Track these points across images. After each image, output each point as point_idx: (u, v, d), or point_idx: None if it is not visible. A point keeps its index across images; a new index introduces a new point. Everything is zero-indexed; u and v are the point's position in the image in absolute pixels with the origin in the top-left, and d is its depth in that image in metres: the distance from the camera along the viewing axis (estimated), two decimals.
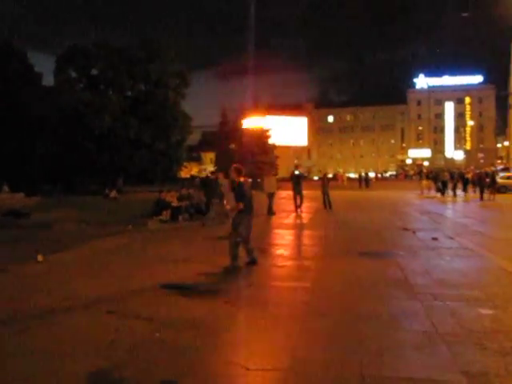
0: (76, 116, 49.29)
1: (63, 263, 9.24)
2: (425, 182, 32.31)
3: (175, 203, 16.79)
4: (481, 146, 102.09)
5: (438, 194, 29.58)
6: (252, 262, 8.62)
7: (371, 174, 59.62)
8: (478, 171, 32.25)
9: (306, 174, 46.48)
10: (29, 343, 4.91)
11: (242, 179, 8.77)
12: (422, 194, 30.45)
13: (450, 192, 29.43)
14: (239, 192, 8.57)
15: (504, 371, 4.10)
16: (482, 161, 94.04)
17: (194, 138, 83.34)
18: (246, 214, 8.56)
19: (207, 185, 18.47)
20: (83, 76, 58.00)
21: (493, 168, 47.11)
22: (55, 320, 5.65)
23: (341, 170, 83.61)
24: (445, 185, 29.62)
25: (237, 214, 8.61)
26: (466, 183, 30.83)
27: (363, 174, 45.78)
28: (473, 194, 29.41)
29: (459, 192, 30.36)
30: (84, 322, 5.56)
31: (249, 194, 8.72)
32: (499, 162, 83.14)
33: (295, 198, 19.28)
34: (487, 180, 25.44)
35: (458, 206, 23.81)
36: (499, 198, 25.83)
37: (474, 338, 4.88)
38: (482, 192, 25.05)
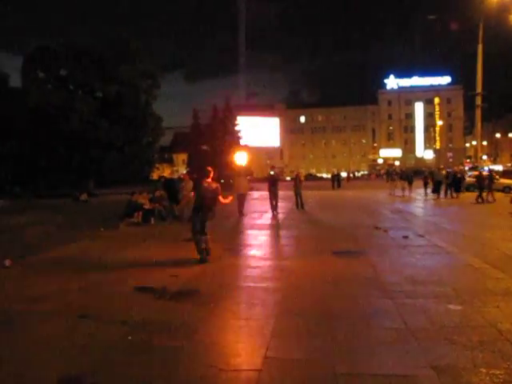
0: (45, 117, 48.42)
1: (32, 267, 9.05)
2: (398, 183, 31.36)
3: (147, 205, 16.64)
4: (450, 145, 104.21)
5: (432, 195, 27.89)
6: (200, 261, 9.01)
7: (343, 174, 60.02)
8: (477, 171, 30.93)
9: (281, 176, 46.59)
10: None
11: (207, 180, 9.39)
12: (393, 195, 29.74)
13: (442, 193, 27.35)
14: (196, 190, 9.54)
15: (471, 364, 4.21)
16: (451, 160, 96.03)
17: (165, 140, 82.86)
18: (197, 211, 9.19)
19: (170, 186, 18.37)
20: (51, 77, 57.01)
21: (461, 167, 48.05)
22: (25, 325, 5.55)
23: (302, 171, 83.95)
24: (440, 184, 27.60)
25: (192, 212, 9.40)
26: (457, 183, 27.62)
27: (335, 174, 45.92)
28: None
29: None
30: (55, 327, 5.47)
31: (204, 194, 9.21)
32: (468, 161, 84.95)
33: (271, 199, 19.14)
34: (486, 181, 24.49)
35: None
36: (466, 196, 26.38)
37: (444, 333, 4.99)
38: (481, 193, 23.54)
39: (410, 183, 30.44)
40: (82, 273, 8.44)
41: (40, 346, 4.88)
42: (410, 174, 33.54)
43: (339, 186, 43.18)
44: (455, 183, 27.27)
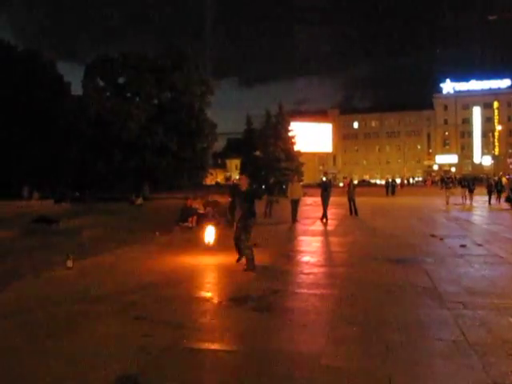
0: (103, 123, 50.12)
1: (93, 269, 9.38)
2: (456, 190, 28.76)
3: (201, 210, 16.86)
4: (510, 151, 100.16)
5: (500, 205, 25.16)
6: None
7: (397, 180, 58.44)
8: None
9: (333, 182, 45.86)
10: (56, 348, 4.97)
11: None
12: (450, 203, 27.32)
13: None
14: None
15: None
16: (511, 166, 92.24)
17: (219, 145, 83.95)
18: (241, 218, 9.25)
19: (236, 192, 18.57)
20: (110, 85, 59.02)
21: None
22: (83, 325, 5.73)
23: (353, 176, 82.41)
24: None
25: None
26: None
27: (390, 181, 44.82)
28: None
29: None
30: (112, 328, 5.62)
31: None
32: None
33: (323, 205, 18.97)
34: None
35: None
36: None
37: (506, 348, 4.77)
38: None
39: (471, 191, 27.89)
40: (137, 275, 8.66)
41: (97, 346, 5.01)
42: (470, 180, 30.35)
43: (393, 193, 42.24)
44: None
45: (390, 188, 42.32)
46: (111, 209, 27.36)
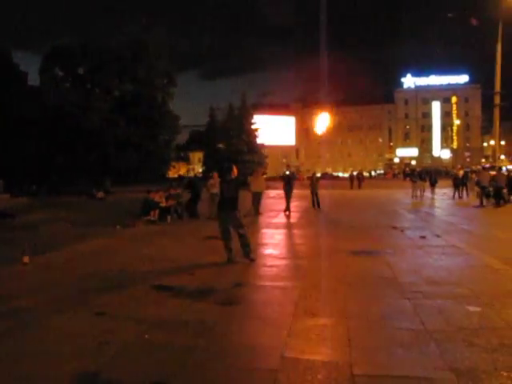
0: (62, 115, 48.90)
1: (50, 265, 9.15)
2: (419, 183, 26.62)
3: (163, 203, 16.71)
4: (467, 144, 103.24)
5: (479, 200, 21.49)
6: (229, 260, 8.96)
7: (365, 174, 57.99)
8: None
9: (297, 175, 45.64)
10: (13, 346, 4.83)
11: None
12: (416, 199, 25.75)
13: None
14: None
15: (492, 367, 4.12)
16: (468, 159, 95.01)
17: (182, 138, 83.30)
18: (220, 209, 9.20)
19: (194, 185, 18.53)
20: (69, 75, 57.64)
21: (479, 167, 47.30)
22: (42, 322, 5.58)
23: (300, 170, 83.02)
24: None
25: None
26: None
27: (354, 174, 44.69)
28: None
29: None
30: (72, 324, 5.49)
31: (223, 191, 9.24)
32: (484, 161, 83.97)
33: (286, 198, 19.06)
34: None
35: None
36: None
37: (463, 335, 4.91)
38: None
39: (433, 185, 26.97)
40: (97, 270, 8.50)
41: (56, 343, 4.89)
42: (432, 173, 28.87)
43: (360, 186, 41.58)
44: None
45: (356, 181, 42.30)
46: (71, 203, 26.80)
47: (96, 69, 55.18)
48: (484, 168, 30.13)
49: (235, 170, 9.38)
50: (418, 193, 26.42)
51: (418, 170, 29.98)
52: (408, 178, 33.60)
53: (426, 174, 28.72)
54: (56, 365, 4.34)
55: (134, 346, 4.79)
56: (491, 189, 21.31)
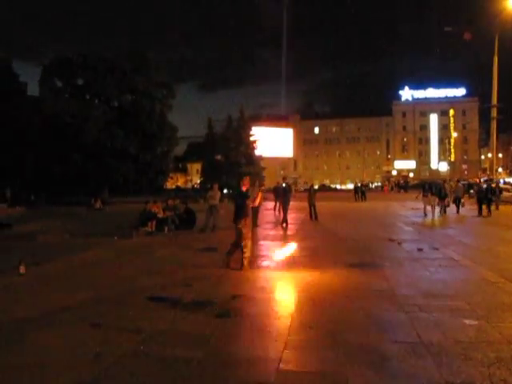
0: (61, 125, 48.90)
1: (46, 275, 9.13)
2: (431, 198, 22.34)
3: (161, 214, 16.71)
4: (465, 157, 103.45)
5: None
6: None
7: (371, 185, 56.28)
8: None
9: (294, 187, 44.98)
10: (9, 358, 4.82)
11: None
12: (427, 217, 22.03)
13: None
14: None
15: (488, 381, 4.12)
16: (466, 172, 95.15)
17: (180, 149, 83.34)
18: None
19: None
20: (68, 86, 57.76)
21: (476, 179, 47.31)
22: (38, 334, 5.56)
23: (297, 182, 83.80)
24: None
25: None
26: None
27: (359, 185, 43.26)
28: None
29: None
30: (68, 336, 5.48)
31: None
32: (481, 173, 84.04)
33: (284, 210, 18.80)
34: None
35: None
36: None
37: (459, 348, 4.91)
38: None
39: (443, 198, 22.87)
40: (94, 281, 8.48)
41: (52, 354, 4.88)
42: (438, 186, 24.07)
43: (364, 198, 40.11)
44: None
45: (360, 193, 40.71)
46: (69, 213, 26.73)
47: (95, 80, 55.28)
48: (458, 181, 31.19)
49: (247, 183, 10.16)
50: (429, 208, 22.40)
51: (428, 182, 26.01)
52: (402, 191, 32.62)
53: (435, 187, 23.92)
54: (52, 376, 4.32)
55: (129, 357, 4.78)
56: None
